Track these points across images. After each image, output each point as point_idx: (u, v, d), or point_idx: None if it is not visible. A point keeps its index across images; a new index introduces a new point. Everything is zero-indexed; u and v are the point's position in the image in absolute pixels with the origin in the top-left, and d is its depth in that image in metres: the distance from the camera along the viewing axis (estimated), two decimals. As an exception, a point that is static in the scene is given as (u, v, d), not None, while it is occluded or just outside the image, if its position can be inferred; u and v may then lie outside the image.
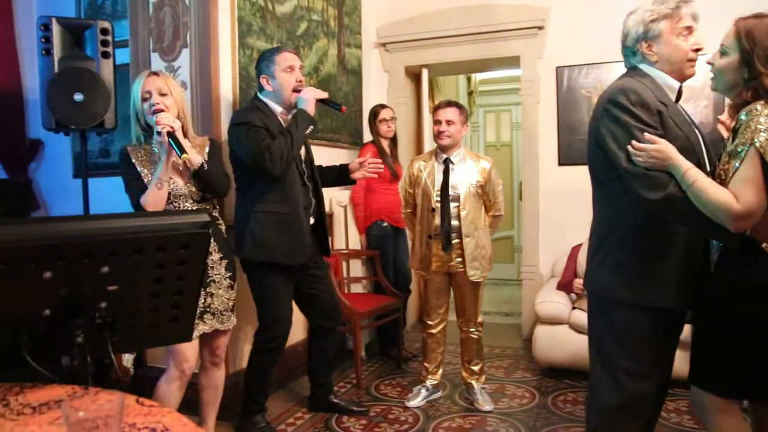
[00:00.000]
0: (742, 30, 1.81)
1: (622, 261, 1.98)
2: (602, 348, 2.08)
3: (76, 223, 1.15)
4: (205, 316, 2.60)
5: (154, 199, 2.44)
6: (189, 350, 2.56)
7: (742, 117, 1.74)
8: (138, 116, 2.56)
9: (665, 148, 1.79)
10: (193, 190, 2.58)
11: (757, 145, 1.68)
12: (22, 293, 1.15)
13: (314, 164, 3.22)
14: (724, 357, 1.87)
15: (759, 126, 1.69)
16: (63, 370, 1.27)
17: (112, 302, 1.24)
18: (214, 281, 2.61)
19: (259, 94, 3.04)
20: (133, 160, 2.56)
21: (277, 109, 3.00)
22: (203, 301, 2.57)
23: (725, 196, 1.70)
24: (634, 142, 1.82)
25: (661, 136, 1.83)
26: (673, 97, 1.98)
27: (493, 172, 3.44)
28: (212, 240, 2.51)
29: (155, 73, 2.58)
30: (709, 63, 1.94)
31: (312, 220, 3.13)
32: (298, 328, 3.62)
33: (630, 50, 2.04)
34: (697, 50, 1.95)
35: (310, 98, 2.96)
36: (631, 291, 1.96)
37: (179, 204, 2.54)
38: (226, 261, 2.67)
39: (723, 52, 1.87)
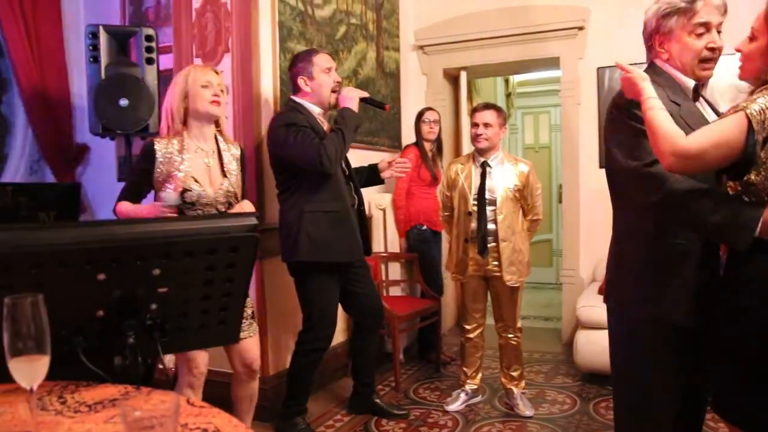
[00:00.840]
0: None
1: (635, 273, 1.89)
2: (619, 362, 2.00)
3: (130, 226, 1.18)
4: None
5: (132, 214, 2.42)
6: (200, 357, 2.50)
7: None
8: (184, 101, 2.45)
9: (639, 73, 1.70)
10: (221, 199, 2.46)
11: (748, 112, 1.52)
12: (78, 294, 1.18)
13: (350, 163, 3.24)
14: (744, 380, 1.65)
15: (759, 99, 1.54)
16: (115, 369, 1.30)
17: (163, 304, 1.27)
18: None
19: (293, 97, 3.07)
20: (159, 157, 2.40)
21: (315, 110, 3.03)
22: None
23: (675, 129, 1.58)
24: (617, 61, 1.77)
25: None
26: (691, 96, 1.87)
27: (532, 176, 3.40)
28: None
29: (216, 71, 2.55)
30: (737, 50, 1.76)
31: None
32: (338, 330, 3.63)
33: (646, 44, 1.94)
34: (713, 49, 1.80)
35: (354, 96, 3.00)
36: (643, 305, 1.86)
37: (204, 211, 2.43)
38: None
39: (752, 37, 1.70)
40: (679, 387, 1.87)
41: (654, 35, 1.89)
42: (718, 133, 1.55)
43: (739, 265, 1.67)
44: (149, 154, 2.40)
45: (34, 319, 0.95)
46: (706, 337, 1.77)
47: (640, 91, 1.67)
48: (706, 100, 1.95)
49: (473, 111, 3.49)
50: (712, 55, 1.81)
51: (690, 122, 1.77)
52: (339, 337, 3.85)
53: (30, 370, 0.97)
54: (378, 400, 3.45)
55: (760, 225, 1.55)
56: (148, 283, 1.22)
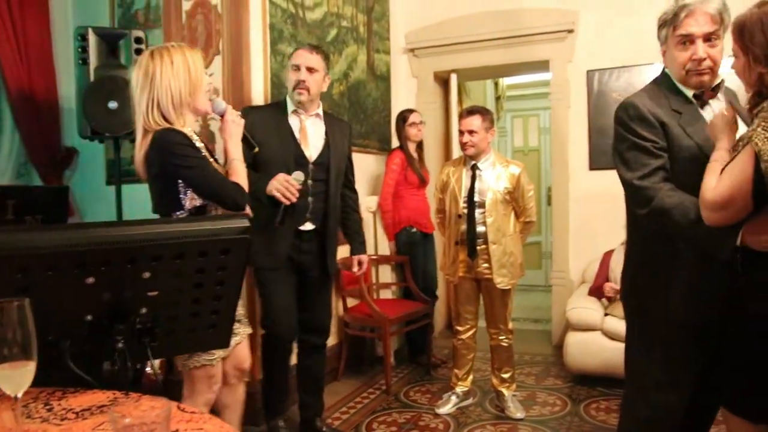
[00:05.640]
0: (735, 27, 1.62)
1: (638, 269, 1.99)
2: (628, 356, 2.07)
3: (119, 229, 1.16)
4: (235, 324, 2.26)
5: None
6: (219, 371, 2.28)
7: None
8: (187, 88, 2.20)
9: (720, 122, 1.70)
10: None
11: (752, 143, 1.51)
12: (65, 298, 1.16)
13: (332, 170, 2.96)
14: (744, 374, 1.72)
15: (763, 123, 1.51)
16: (104, 375, 1.28)
17: (153, 308, 1.26)
18: None
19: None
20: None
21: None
22: None
23: (707, 182, 1.59)
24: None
25: (664, 149, 1.80)
26: (697, 103, 1.88)
27: (523, 178, 3.40)
28: None
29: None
30: (733, 68, 1.73)
31: (310, 226, 2.92)
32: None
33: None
34: (696, 60, 1.80)
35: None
36: (642, 299, 1.96)
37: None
38: None
39: (735, 55, 1.67)
40: (686, 385, 1.89)
41: (660, 44, 1.93)
42: (733, 175, 1.54)
43: (753, 271, 1.67)
44: (188, 140, 2.12)
45: (20, 324, 0.93)
46: (720, 337, 1.80)
47: (717, 140, 1.69)
48: (732, 104, 1.92)
49: (459, 118, 3.49)
50: (698, 67, 1.82)
51: (689, 131, 1.80)
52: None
53: (15, 377, 0.95)
54: (323, 427, 3.19)
55: (740, 235, 1.58)
56: (137, 287, 1.20)
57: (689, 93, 1.88)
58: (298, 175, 2.69)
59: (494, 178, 3.37)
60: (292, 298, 2.97)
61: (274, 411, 3.09)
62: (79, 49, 3.40)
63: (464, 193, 3.40)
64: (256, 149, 2.44)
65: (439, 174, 3.70)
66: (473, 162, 3.41)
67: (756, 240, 1.57)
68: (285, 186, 2.65)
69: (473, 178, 3.39)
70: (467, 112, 3.42)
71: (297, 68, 2.84)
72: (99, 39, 3.41)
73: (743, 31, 1.58)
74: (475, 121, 3.34)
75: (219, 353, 2.22)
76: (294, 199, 2.68)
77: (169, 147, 2.05)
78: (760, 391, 1.67)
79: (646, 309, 1.95)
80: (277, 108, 2.95)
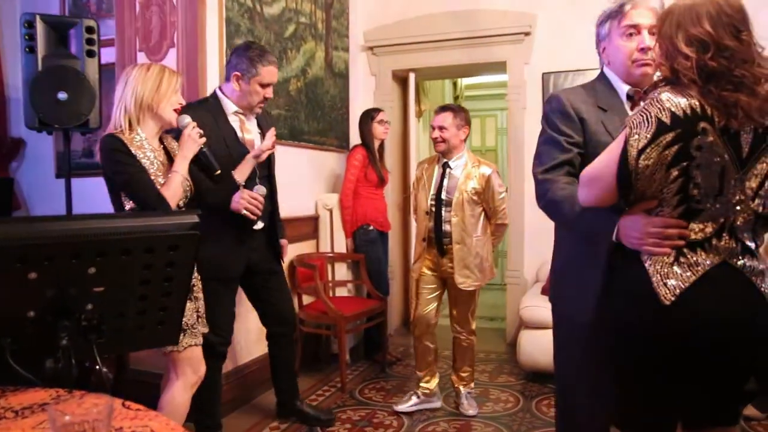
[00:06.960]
0: (657, 19, 1.62)
1: (555, 268, 2.06)
2: (554, 356, 2.10)
3: (64, 223, 1.13)
4: (200, 320, 2.42)
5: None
6: (201, 353, 2.42)
7: None
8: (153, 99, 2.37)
9: None
10: None
11: (626, 128, 1.51)
12: (6, 294, 1.12)
13: (273, 166, 3.04)
14: (622, 383, 1.64)
15: (643, 109, 1.50)
16: (47, 372, 1.25)
17: (99, 304, 1.23)
18: (195, 285, 2.41)
19: (220, 86, 2.92)
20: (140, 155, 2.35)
21: (231, 107, 2.86)
22: (197, 306, 2.40)
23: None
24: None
25: (578, 144, 1.83)
26: (627, 102, 1.90)
27: (494, 179, 3.38)
28: None
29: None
30: None
31: (260, 225, 2.93)
32: (257, 344, 3.47)
33: (598, 53, 2.02)
34: (643, 50, 1.84)
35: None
36: (554, 298, 2.03)
37: None
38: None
39: None
40: (608, 388, 1.77)
41: (599, 43, 1.97)
42: (608, 153, 1.55)
43: (614, 271, 1.66)
44: (125, 147, 2.25)
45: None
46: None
47: None
48: None
49: (434, 114, 3.51)
50: (643, 56, 1.85)
51: (611, 128, 1.83)
52: (258, 351, 3.69)
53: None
54: (303, 407, 3.31)
55: (616, 230, 1.59)
56: (83, 283, 1.17)
57: (625, 88, 1.91)
58: (261, 189, 2.77)
59: (464, 177, 3.37)
60: (234, 306, 2.99)
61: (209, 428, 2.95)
62: (26, 37, 3.27)
63: (433, 189, 3.42)
64: (218, 171, 2.53)
65: (415, 171, 3.71)
66: (445, 160, 3.43)
67: (625, 236, 1.58)
68: (254, 204, 2.71)
69: (442, 176, 3.41)
70: (440, 109, 3.46)
71: (268, 86, 2.83)
72: (47, 27, 3.29)
73: (660, 23, 1.59)
74: (446, 118, 3.37)
75: (200, 329, 2.39)
76: (260, 213, 2.75)
77: (106, 152, 2.25)
78: (646, 401, 1.57)
79: (566, 311, 1.97)
80: (214, 109, 2.83)
